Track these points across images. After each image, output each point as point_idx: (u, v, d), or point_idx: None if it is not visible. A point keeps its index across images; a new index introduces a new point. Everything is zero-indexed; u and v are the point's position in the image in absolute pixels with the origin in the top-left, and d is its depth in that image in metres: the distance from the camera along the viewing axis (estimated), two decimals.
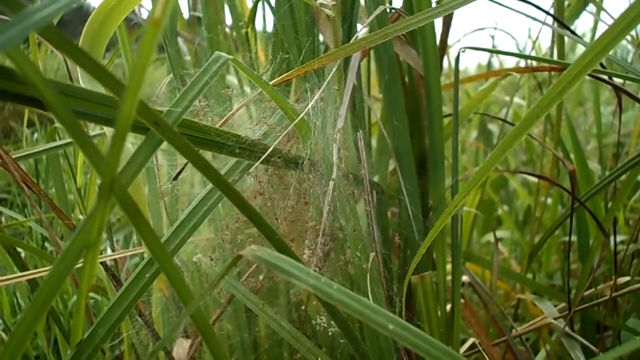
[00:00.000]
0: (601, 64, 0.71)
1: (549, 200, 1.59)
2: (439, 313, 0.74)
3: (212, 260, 0.56)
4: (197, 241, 0.78)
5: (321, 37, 0.68)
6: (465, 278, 1.03)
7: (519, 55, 0.93)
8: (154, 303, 0.74)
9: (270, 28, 0.79)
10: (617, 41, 0.36)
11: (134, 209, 0.33)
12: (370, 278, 0.49)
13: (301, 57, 0.57)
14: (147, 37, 0.25)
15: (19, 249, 0.97)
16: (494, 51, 0.76)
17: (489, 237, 1.76)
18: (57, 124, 1.13)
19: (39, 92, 0.30)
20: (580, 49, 1.67)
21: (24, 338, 0.39)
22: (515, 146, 0.40)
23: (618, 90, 0.76)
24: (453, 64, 0.81)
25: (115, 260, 1.04)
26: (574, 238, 1.30)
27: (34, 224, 1.36)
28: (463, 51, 0.72)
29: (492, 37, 2.29)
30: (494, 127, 2.10)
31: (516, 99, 1.99)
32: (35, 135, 2.20)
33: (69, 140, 0.87)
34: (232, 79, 0.90)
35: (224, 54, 0.43)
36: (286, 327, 0.59)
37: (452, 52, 1.61)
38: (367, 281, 0.49)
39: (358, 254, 0.51)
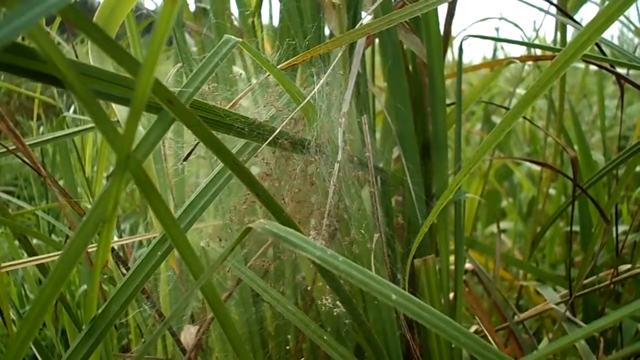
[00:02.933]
0: (603, 53, 0.72)
1: (553, 192, 1.60)
2: (442, 300, 0.75)
3: (220, 240, 0.58)
4: (203, 228, 0.79)
5: (327, 30, 0.69)
6: (468, 265, 1.04)
7: (523, 43, 0.94)
8: (162, 283, 0.76)
9: (276, 20, 0.80)
10: (613, 20, 0.38)
11: (148, 183, 0.35)
12: (374, 257, 0.51)
13: (306, 42, 0.58)
14: (164, 13, 0.27)
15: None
16: (497, 39, 0.77)
17: (493, 228, 1.78)
18: (65, 114, 1.15)
19: (59, 71, 0.31)
20: None
21: (44, 308, 0.41)
22: (514, 124, 0.41)
23: (620, 78, 0.77)
24: (457, 55, 0.82)
25: (123, 249, 1.06)
26: (577, 228, 1.31)
27: (42, 213, 1.38)
28: (466, 39, 0.73)
29: (497, 29, 2.30)
30: (498, 119, 2.10)
31: (520, 91, 1.99)
32: (42, 129, 2.23)
33: (80, 128, 0.89)
34: (238, 69, 0.91)
35: (233, 37, 0.44)
36: (292, 309, 0.60)
37: (456, 44, 1.62)
38: (371, 260, 0.51)
39: (362, 231, 0.53)
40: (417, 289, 0.73)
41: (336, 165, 0.49)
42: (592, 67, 1.82)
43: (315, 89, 0.50)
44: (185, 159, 0.48)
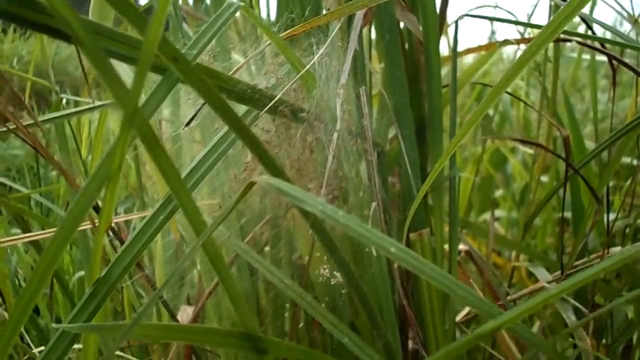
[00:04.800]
0: (591, 29, 0.73)
1: (546, 180, 1.62)
2: None
3: (220, 207, 0.59)
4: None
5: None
6: (462, 247, 1.05)
7: (518, 22, 0.95)
8: (158, 252, 0.77)
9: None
10: None
11: (153, 139, 0.36)
12: (371, 224, 0.52)
13: (305, 15, 0.59)
14: None
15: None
16: (492, 18, 0.79)
17: (486, 216, 1.80)
18: (62, 96, 1.15)
19: (68, 26, 0.32)
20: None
21: (46, 273, 0.42)
22: (511, 84, 0.42)
23: (612, 59, 0.78)
24: (451, 43, 0.83)
25: (118, 231, 1.07)
26: (568, 215, 1.32)
27: (39, 196, 1.39)
28: (461, 18, 0.74)
29: (491, 22, 2.32)
30: (490, 110, 2.12)
31: (515, 81, 2.01)
32: None
33: (79, 108, 0.89)
34: (237, 57, 0.92)
35: (236, 1, 0.45)
36: (288, 282, 0.61)
37: (450, 33, 1.63)
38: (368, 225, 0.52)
39: (361, 193, 0.54)
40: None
41: (335, 134, 0.50)
42: (585, 57, 1.83)
43: (315, 58, 0.51)
44: (188, 124, 0.49)
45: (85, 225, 0.62)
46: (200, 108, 0.48)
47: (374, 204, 0.53)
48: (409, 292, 0.68)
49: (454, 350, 0.38)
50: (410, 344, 0.79)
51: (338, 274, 0.58)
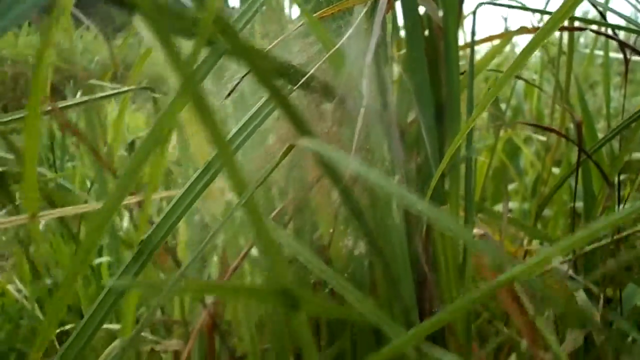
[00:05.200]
0: (604, 17, 0.76)
1: (558, 171, 1.64)
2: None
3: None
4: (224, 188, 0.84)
5: None
6: (477, 231, 1.08)
7: (537, 11, 0.98)
8: (181, 231, 0.81)
9: None
10: None
11: (203, 101, 0.40)
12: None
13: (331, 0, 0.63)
14: None
15: None
16: (509, 6, 0.82)
17: (499, 208, 1.82)
18: (91, 81, 1.20)
19: None
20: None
21: (102, 225, 0.46)
22: (526, 62, 0.46)
23: (624, 46, 0.81)
24: (468, 35, 0.86)
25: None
26: (579, 205, 1.35)
27: (63, 180, 1.44)
28: (480, 6, 0.77)
29: (505, 19, 2.34)
30: (502, 104, 2.15)
31: (529, 74, 2.04)
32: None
33: (110, 92, 0.93)
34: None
35: None
36: (311, 259, 0.65)
37: (466, 26, 1.66)
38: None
39: (386, 163, 0.58)
40: (429, 240, 0.78)
41: (362, 110, 0.54)
42: (597, 53, 1.85)
43: (345, 38, 0.55)
44: (228, 95, 0.53)
45: (133, 199, 0.66)
46: (240, 80, 0.52)
47: (397, 177, 0.57)
48: (429, 257, 0.72)
49: (472, 300, 0.41)
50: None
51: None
